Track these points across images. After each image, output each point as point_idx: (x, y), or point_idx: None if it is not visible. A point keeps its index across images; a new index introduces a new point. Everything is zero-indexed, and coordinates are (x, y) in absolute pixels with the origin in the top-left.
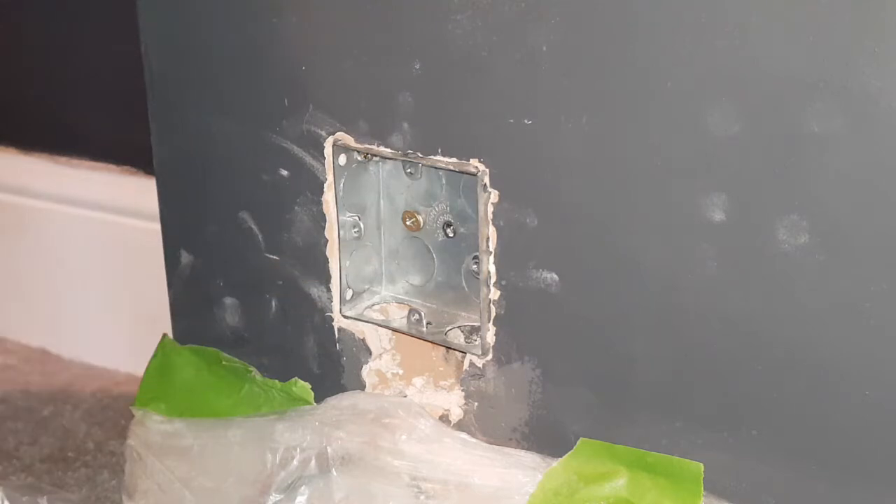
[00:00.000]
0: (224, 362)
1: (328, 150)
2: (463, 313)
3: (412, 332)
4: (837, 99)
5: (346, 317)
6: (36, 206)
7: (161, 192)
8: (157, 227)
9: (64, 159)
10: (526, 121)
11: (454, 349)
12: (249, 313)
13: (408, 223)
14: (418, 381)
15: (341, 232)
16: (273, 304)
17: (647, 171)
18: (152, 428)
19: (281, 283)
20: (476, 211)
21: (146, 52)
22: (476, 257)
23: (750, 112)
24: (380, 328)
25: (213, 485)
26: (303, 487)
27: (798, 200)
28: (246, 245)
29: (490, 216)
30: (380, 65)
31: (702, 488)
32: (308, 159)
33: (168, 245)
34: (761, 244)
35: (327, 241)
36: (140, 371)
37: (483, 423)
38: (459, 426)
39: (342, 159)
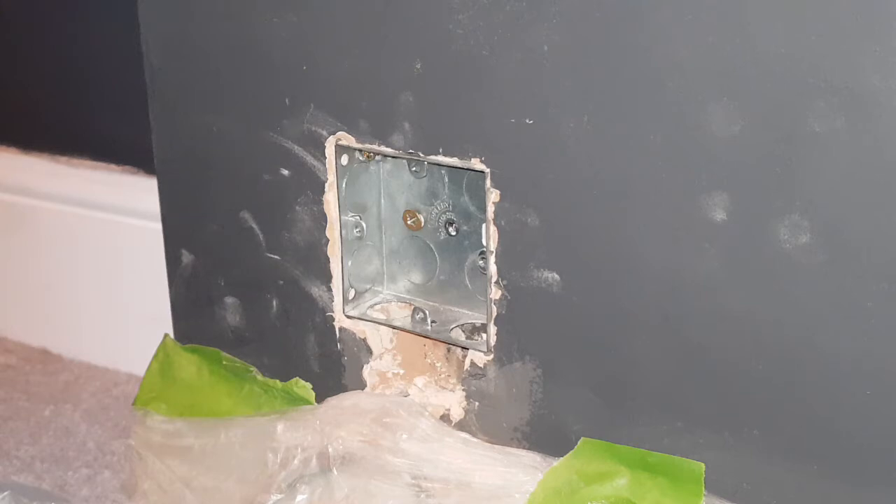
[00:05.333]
0: (225, 362)
1: (330, 150)
2: (465, 311)
3: (417, 330)
4: (839, 98)
5: (349, 316)
6: (36, 206)
7: (162, 191)
8: (158, 226)
9: (64, 159)
10: (527, 120)
11: (458, 346)
12: (250, 313)
13: (409, 222)
14: (419, 380)
15: (343, 232)
16: (274, 303)
17: (649, 170)
18: (153, 428)
19: (282, 282)
20: (479, 208)
21: (146, 51)
22: (483, 253)
23: (751, 111)
24: (381, 328)
25: (214, 484)
26: (304, 487)
27: (799, 200)
28: (247, 245)
29: (491, 216)
30: (381, 64)
31: (703, 488)
32: (309, 159)
33: (169, 245)
34: (762, 244)
35: (328, 240)
36: (141, 371)
37: (484, 422)
38: (460, 426)
39: (344, 159)
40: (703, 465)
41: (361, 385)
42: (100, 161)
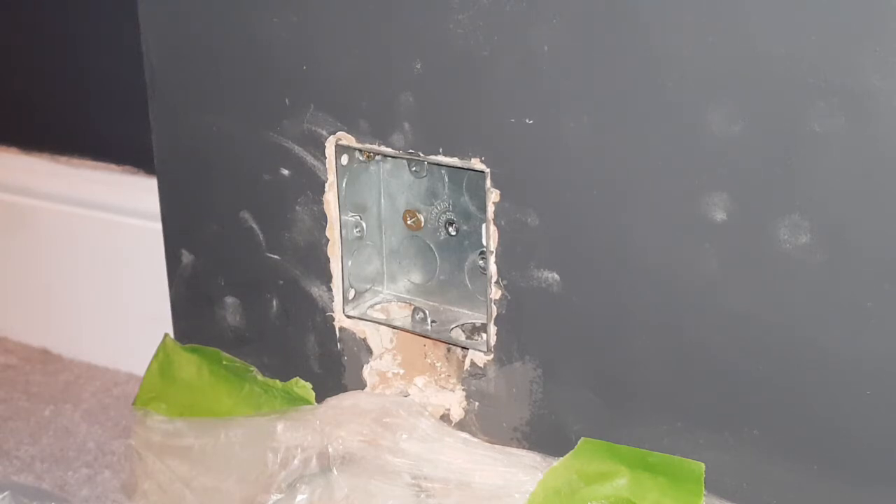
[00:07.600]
0: (225, 362)
1: (330, 150)
2: (465, 311)
3: (417, 330)
4: (839, 98)
5: (349, 316)
6: (36, 205)
7: (162, 191)
8: (158, 226)
9: (64, 159)
10: (527, 120)
11: (458, 346)
12: (250, 313)
13: (409, 222)
14: (420, 380)
15: (343, 232)
16: (274, 303)
17: (649, 170)
18: (153, 427)
19: (282, 282)
20: (479, 208)
21: (146, 51)
22: (483, 253)
23: (751, 111)
24: (381, 328)
25: (214, 484)
26: (304, 487)
27: (799, 200)
28: (247, 245)
29: (491, 216)
30: (381, 64)
31: (703, 488)
32: (309, 159)
33: (169, 245)
34: (762, 244)
35: (328, 240)
36: (141, 371)
37: (484, 422)
38: (460, 426)
39: (344, 159)
40: (703, 465)
41: (361, 385)
42: (100, 161)
